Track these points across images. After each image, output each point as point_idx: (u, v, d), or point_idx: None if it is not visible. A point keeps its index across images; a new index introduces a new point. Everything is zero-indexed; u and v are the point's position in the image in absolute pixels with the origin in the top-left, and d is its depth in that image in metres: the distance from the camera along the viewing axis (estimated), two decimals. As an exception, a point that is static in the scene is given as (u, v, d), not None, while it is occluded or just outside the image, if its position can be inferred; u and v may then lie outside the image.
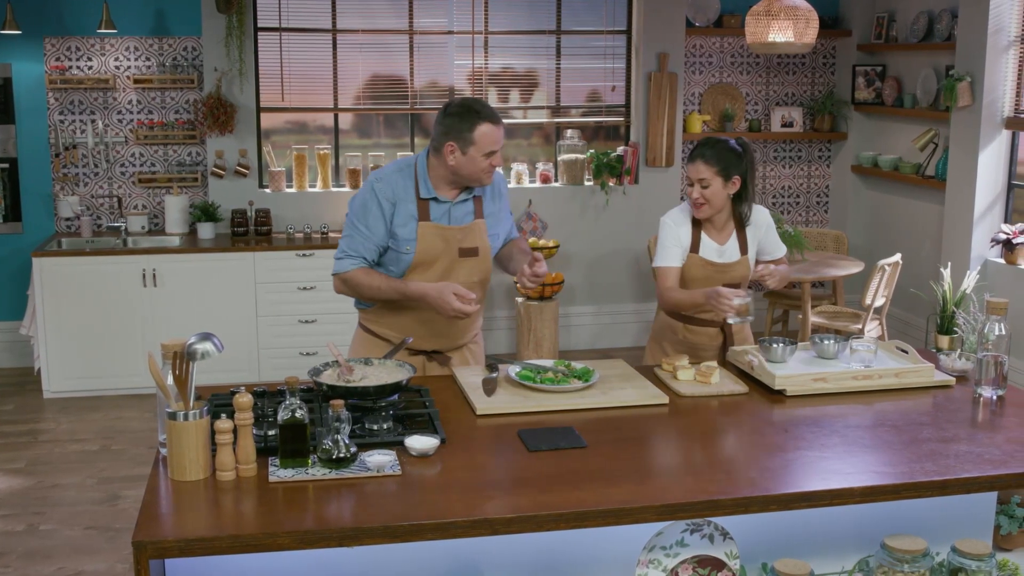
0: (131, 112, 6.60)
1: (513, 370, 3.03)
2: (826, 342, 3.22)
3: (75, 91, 6.50)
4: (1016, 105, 6.13)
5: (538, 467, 2.41)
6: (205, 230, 6.40)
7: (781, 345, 3.17)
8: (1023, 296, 5.85)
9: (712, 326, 3.58)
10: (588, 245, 7.15)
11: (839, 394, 2.98)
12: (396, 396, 2.68)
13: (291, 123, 6.90)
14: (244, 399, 2.32)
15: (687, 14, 7.11)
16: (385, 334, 3.34)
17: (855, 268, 6.24)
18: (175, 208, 6.54)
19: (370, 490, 2.27)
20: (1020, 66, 6.09)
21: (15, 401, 6.06)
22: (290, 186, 6.79)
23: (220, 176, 6.57)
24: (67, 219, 6.56)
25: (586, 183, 7.10)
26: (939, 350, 3.35)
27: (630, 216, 7.13)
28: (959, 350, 3.24)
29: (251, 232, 6.53)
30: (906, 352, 3.19)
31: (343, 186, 6.85)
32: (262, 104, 6.71)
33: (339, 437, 2.36)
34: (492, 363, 3.13)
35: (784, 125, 7.51)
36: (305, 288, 6.24)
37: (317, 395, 2.75)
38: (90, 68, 6.50)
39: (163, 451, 2.42)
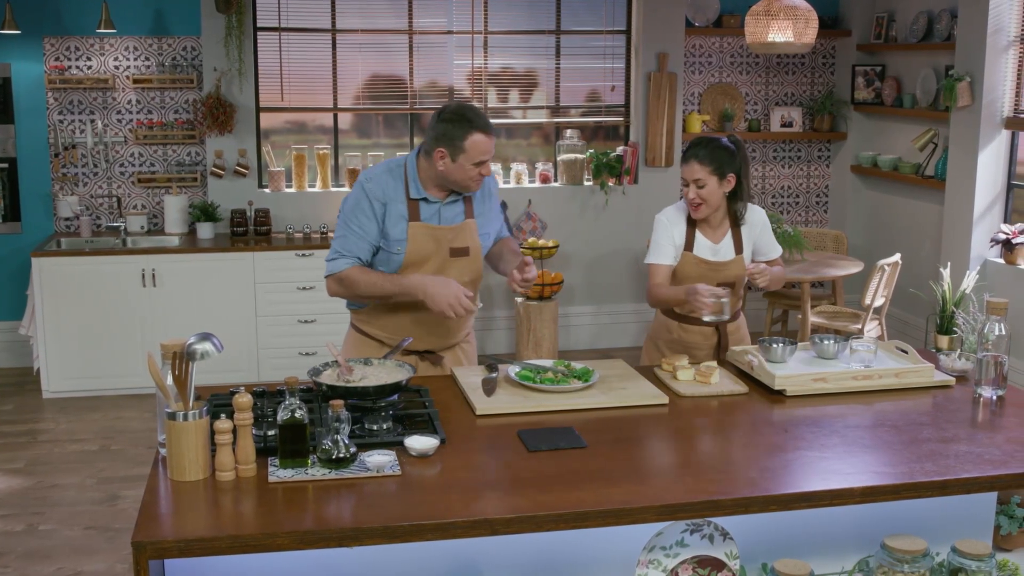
0: (130, 112, 6.59)
1: (513, 370, 3.03)
2: (826, 342, 3.22)
3: (74, 91, 6.49)
4: (1016, 105, 6.13)
5: (538, 467, 2.41)
6: (204, 230, 6.40)
7: (781, 345, 3.17)
8: (1023, 296, 5.85)
9: (707, 325, 3.58)
10: (587, 245, 7.15)
11: (839, 394, 2.98)
12: (396, 396, 2.68)
13: (290, 123, 6.90)
14: (244, 399, 2.31)
15: (687, 14, 7.11)
16: (378, 335, 3.34)
17: (855, 268, 6.24)
18: (174, 208, 6.54)
19: (370, 490, 2.27)
20: (1020, 66, 6.09)
21: (14, 401, 6.06)
22: (289, 186, 6.79)
23: (219, 176, 6.57)
24: (66, 219, 6.56)
25: (586, 183, 7.10)
26: (939, 350, 3.35)
27: (629, 216, 7.13)
28: (959, 350, 3.24)
29: (250, 232, 6.53)
30: (906, 352, 3.19)
31: (343, 186, 6.84)
32: (261, 104, 6.71)
33: (339, 437, 2.36)
34: (492, 363, 3.13)
35: (783, 125, 7.51)
36: (304, 288, 6.24)
37: (317, 395, 2.75)
38: (89, 68, 6.49)
39: (162, 451, 2.42)
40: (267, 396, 2.79)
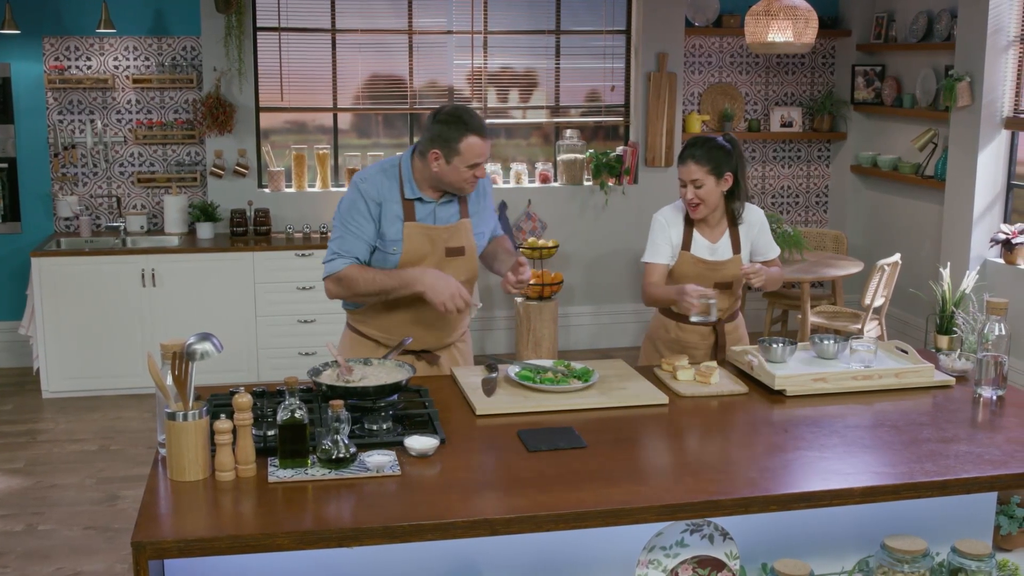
0: (130, 112, 6.59)
1: (512, 370, 3.03)
2: (826, 342, 3.22)
3: (74, 91, 6.49)
4: (1015, 105, 6.13)
5: (538, 467, 2.41)
6: (204, 230, 6.39)
7: (781, 345, 3.17)
8: (1023, 296, 5.85)
9: (703, 324, 3.58)
10: (587, 245, 7.15)
11: (839, 394, 2.98)
12: (395, 396, 2.68)
13: (290, 123, 6.90)
14: (243, 399, 2.31)
15: (686, 14, 7.11)
16: (374, 335, 3.34)
17: (854, 268, 6.24)
18: (174, 208, 6.54)
19: (370, 490, 2.27)
20: (1019, 66, 6.09)
21: (14, 401, 6.06)
22: (289, 186, 6.79)
23: (219, 176, 6.57)
24: (66, 219, 6.56)
25: (585, 183, 7.10)
26: (939, 350, 3.35)
27: (629, 216, 7.13)
28: (959, 350, 3.24)
29: (250, 232, 6.52)
30: (906, 352, 3.19)
31: (342, 186, 6.84)
32: (261, 104, 6.71)
33: (339, 437, 2.36)
34: (491, 363, 3.13)
35: (783, 125, 7.51)
36: (304, 288, 6.24)
37: (316, 395, 2.75)
38: (89, 68, 6.49)
39: (162, 451, 2.42)
40: (267, 396, 2.79)
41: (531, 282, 6.51)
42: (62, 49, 6.44)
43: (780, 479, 2.38)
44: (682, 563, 2.42)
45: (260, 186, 6.76)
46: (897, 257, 5.99)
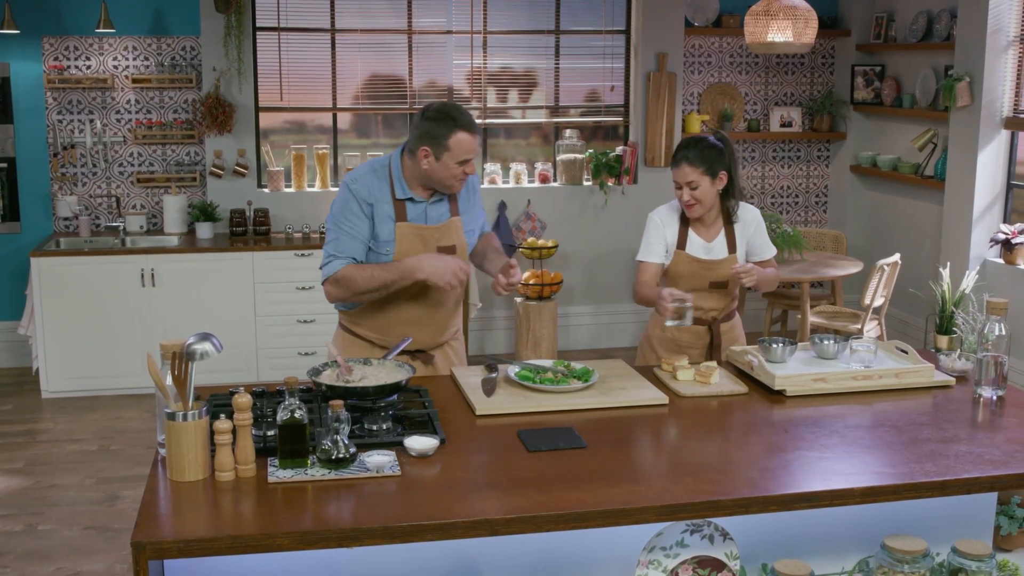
0: (129, 112, 6.59)
1: (512, 370, 3.02)
2: (826, 342, 3.22)
3: (73, 91, 6.49)
4: (1015, 105, 6.13)
5: (538, 467, 2.41)
6: (203, 230, 6.39)
7: (781, 345, 3.17)
8: (1023, 296, 5.85)
9: (699, 324, 3.58)
10: (587, 245, 7.15)
11: (839, 394, 2.98)
12: (395, 396, 2.68)
13: (290, 123, 6.89)
14: (243, 399, 2.31)
15: (686, 14, 7.10)
16: (367, 335, 3.34)
17: (854, 268, 6.24)
18: (173, 208, 6.54)
19: (369, 491, 2.27)
20: (1019, 66, 6.09)
21: (13, 401, 6.05)
22: (289, 186, 6.78)
23: (219, 176, 6.56)
24: (65, 219, 6.55)
25: (585, 183, 7.10)
26: (938, 350, 3.35)
27: (629, 216, 7.13)
28: (959, 350, 3.24)
29: (249, 232, 6.52)
30: (906, 352, 3.19)
31: (342, 186, 6.83)
32: (261, 104, 6.71)
33: (338, 437, 2.35)
34: (491, 363, 3.12)
35: (783, 125, 7.51)
36: (304, 288, 6.24)
37: (316, 395, 2.74)
38: (88, 68, 6.49)
39: (162, 451, 2.42)
40: (267, 396, 2.79)
41: (531, 282, 6.51)
42: (61, 49, 6.44)
43: (780, 479, 2.37)
44: (682, 563, 2.42)
45: (259, 186, 6.76)
46: (897, 257, 5.99)
